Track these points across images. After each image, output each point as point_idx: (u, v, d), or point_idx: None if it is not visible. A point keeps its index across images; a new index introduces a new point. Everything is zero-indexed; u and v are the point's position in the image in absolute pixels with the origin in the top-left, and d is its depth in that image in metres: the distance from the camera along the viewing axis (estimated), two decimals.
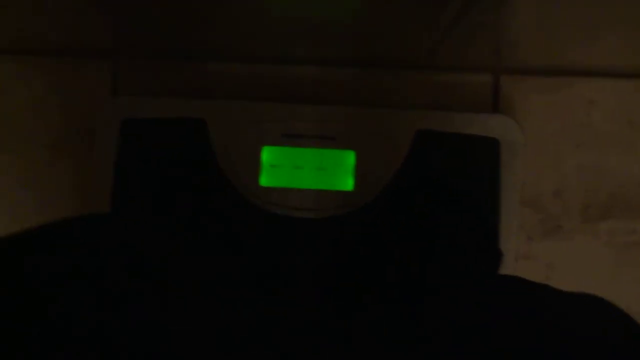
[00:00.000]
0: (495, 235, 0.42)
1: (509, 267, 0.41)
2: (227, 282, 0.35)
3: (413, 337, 0.30)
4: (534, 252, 0.46)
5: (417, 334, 0.30)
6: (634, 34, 0.38)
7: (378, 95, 0.47)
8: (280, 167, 0.43)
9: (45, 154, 0.47)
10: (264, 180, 0.43)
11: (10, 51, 0.47)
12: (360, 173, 0.43)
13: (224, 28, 0.40)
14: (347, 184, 0.43)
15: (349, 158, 0.43)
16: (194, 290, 0.32)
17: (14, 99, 0.47)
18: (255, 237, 0.43)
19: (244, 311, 0.31)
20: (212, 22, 0.39)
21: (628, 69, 0.46)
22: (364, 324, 0.31)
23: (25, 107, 0.47)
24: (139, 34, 0.43)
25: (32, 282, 0.26)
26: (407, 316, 0.31)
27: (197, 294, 0.32)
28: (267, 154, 0.43)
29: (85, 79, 0.47)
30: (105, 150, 0.43)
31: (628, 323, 0.30)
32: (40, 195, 0.47)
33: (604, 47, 0.41)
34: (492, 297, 0.33)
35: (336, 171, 0.43)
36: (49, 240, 0.30)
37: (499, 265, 0.42)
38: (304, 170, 0.43)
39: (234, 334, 0.29)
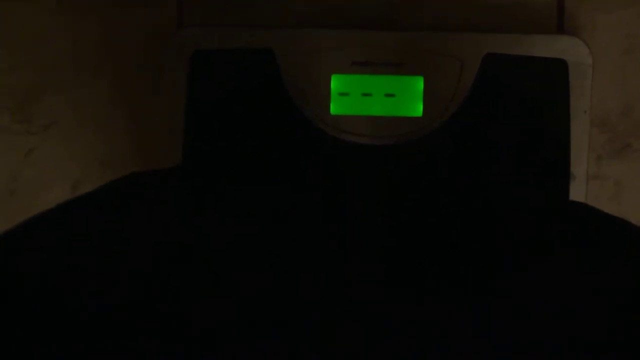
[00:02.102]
0: (566, 157, 0.42)
1: (581, 188, 0.42)
2: (298, 212, 0.36)
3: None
4: (603, 172, 0.46)
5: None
6: None
7: (442, 19, 0.46)
8: (350, 95, 0.43)
9: (113, 90, 0.47)
10: (334, 109, 0.43)
11: None
12: (429, 98, 0.43)
13: None
14: (417, 109, 0.43)
15: (418, 84, 0.43)
16: (259, 223, 0.32)
17: (79, 34, 0.47)
18: (326, 165, 0.43)
19: (312, 246, 0.31)
20: None
21: None
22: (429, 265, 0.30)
23: (91, 42, 0.47)
24: None
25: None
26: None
27: (263, 227, 0.32)
28: (337, 82, 0.43)
29: (150, 11, 0.47)
30: (175, 82, 0.43)
31: None
32: (109, 132, 0.47)
33: None
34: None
35: (405, 97, 0.43)
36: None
37: (568, 188, 0.42)
38: (374, 97, 0.43)
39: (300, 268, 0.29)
